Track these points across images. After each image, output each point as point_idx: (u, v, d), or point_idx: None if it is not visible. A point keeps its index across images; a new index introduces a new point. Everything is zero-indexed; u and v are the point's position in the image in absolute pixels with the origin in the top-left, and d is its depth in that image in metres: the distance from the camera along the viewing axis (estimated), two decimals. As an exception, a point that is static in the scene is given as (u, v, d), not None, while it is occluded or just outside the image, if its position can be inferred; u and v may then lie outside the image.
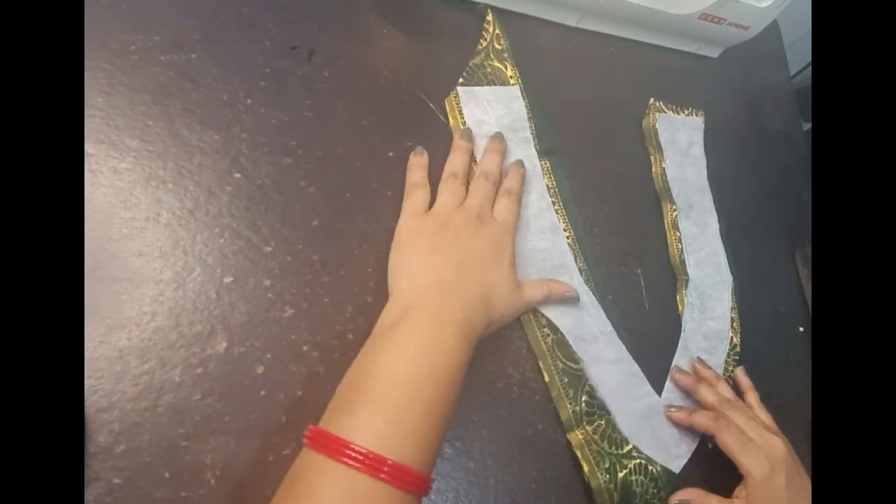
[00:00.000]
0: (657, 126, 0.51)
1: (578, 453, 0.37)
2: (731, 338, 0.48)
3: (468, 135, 0.41)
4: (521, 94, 0.45)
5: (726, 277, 0.50)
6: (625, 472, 0.38)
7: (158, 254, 0.32)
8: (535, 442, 0.38)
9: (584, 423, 0.38)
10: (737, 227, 0.53)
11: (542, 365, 0.39)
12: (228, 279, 0.33)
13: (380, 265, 0.36)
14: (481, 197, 0.38)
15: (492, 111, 0.43)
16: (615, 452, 0.39)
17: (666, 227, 0.49)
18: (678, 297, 0.47)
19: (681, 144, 0.52)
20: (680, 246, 0.48)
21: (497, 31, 0.46)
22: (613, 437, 0.39)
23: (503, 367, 0.38)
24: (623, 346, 0.42)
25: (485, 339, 0.35)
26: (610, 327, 0.42)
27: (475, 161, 0.41)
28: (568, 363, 0.39)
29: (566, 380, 0.39)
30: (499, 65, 0.45)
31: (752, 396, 0.44)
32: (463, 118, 0.42)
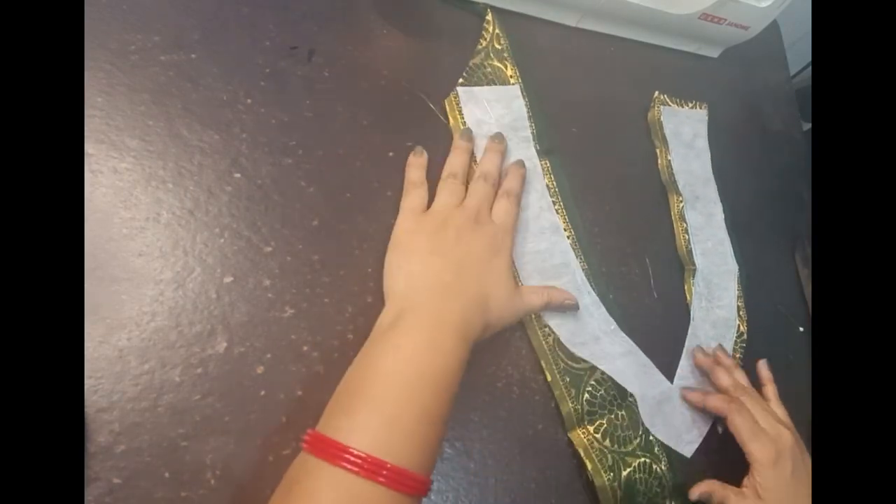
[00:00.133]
0: (662, 119, 0.52)
1: (581, 452, 0.37)
2: (738, 326, 0.49)
3: (468, 135, 0.41)
4: (522, 93, 0.45)
5: (732, 267, 0.51)
6: (629, 470, 0.38)
7: (158, 254, 0.32)
8: (535, 442, 0.38)
9: (586, 423, 0.39)
10: (737, 226, 0.53)
11: (543, 364, 0.39)
12: (228, 279, 0.33)
13: (380, 265, 0.36)
14: (480, 198, 0.38)
15: (492, 111, 0.44)
16: (619, 450, 0.39)
17: (673, 218, 0.50)
18: (686, 287, 0.48)
19: (685, 137, 0.53)
20: (687, 236, 0.49)
21: (497, 30, 0.46)
22: (616, 435, 0.39)
23: (503, 367, 0.38)
24: (629, 339, 0.42)
25: (485, 339, 0.35)
26: (613, 325, 0.42)
27: (475, 161, 0.41)
28: (569, 362, 0.39)
29: (568, 379, 0.39)
30: (499, 64, 0.45)
31: (771, 389, 0.45)
32: (463, 118, 0.42)
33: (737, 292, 0.50)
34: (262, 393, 0.32)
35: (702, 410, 0.43)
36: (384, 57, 0.42)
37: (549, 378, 0.39)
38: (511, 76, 0.45)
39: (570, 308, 0.40)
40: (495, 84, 0.45)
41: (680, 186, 0.50)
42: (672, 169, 0.51)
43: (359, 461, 0.25)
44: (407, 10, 0.45)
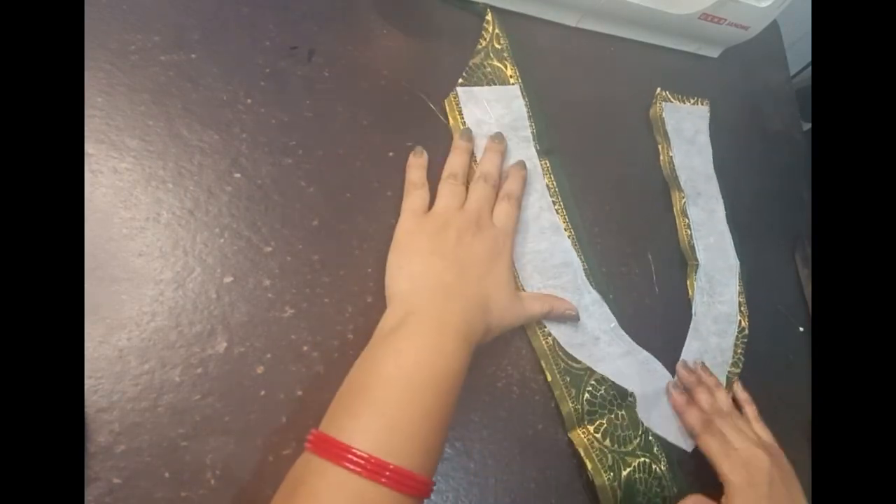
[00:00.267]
0: (664, 115, 0.52)
1: (581, 452, 0.37)
2: (740, 321, 0.49)
3: (468, 135, 0.41)
4: (521, 93, 0.45)
5: (733, 262, 0.51)
6: (629, 470, 0.38)
7: (158, 254, 0.32)
8: (535, 442, 0.38)
9: (587, 422, 0.39)
10: (738, 226, 0.53)
11: (543, 364, 0.39)
12: (228, 279, 0.33)
13: (380, 265, 0.36)
14: (481, 200, 0.38)
15: (492, 111, 0.44)
16: (619, 450, 0.39)
17: (675, 213, 0.50)
18: (688, 283, 0.48)
19: (687, 133, 0.53)
20: (689, 232, 0.49)
21: (497, 30, 0.46)
22: (617, 435, 0.39)
23: (503, 367, 0.38)
24: (628, 339, 0.42)
25: (485, 342, 0.35)
26: (613, 322, 0.42)
27: (475, 161, 0.41)
28: (570, 362, 0.39)
29: (568, 379, 0.39)
30: (498, 64, 0.45)
31: (750, 410, 0.45)
32: (463, 118, 0.42)
33: (738, 288, 0.50)
34: (262, 393, 0.32)
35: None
36: (384, 57, 0.42)
37: (549, 378, 0.39)
38: (511, 76, 0.45)
39: (570, 318, 0.40)
40: (495, 84, 0.45)
41: (682, 182, 0.51)
42: (674, 165, 0.51)
43: (362, 461, 0.25)
44: (407, 10, 0.45)
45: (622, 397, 0.40)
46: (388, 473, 0.26)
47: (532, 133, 0.45)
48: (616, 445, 0.39)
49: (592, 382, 0.40)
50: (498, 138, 0.42)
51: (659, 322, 0.45)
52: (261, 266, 0.34)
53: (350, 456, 0.26)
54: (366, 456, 0.26)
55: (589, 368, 0.40)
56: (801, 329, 0.54)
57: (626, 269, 0.46)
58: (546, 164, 0.44)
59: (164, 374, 0.30)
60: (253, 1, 0.39)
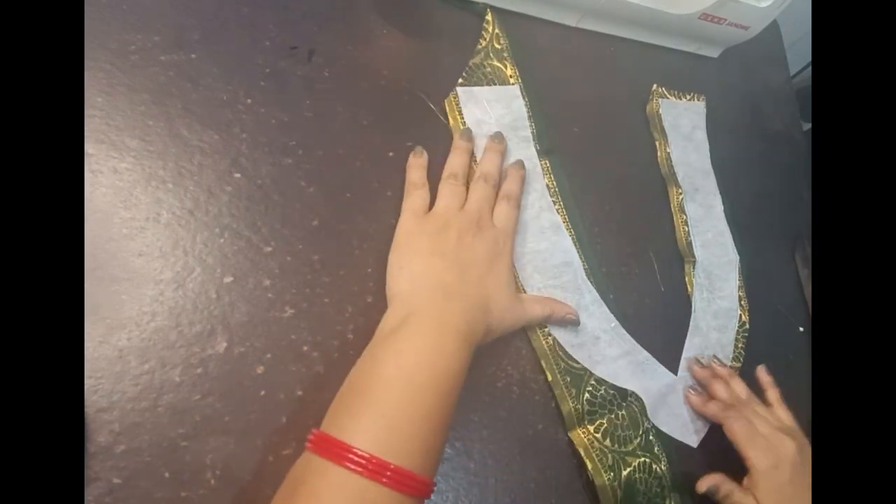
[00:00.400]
0: (660, 111, 0.52)
1: (581, 451, 0.37)
2: (740, 315, 0.49)
3: (468, 135, 0.41)
4: (521, 92, 0.45)
5: (733, 257, 0.51)
6: (629, 469, 0.38)
7: (158, 254, 0.32)
8: (535, 442, 0.38)
9: (587, 422, 0.39)
10: (737, 226, 0.53)
11: (543, 364, 0.39)
12: (228, 279, 0.33)
13: (380, 265, 0.36)
14: (481, 201, 0.38)
15: (492, 111, 0.44)
16: (619, 450, 0.39)
17: (672, 210, 0.50)
18: (687, 279, 0.48)
19: (684, 129, 0.53)
20: (686, 228, 0.49)
21: (496, 30, 0.46)
22: (617, 434, 0.39)
23: (503, 367, 0.38)
24: (629, 338, 0.42)
25: (485, 343, 0.35)
26: (614, 322, 0.42)
27: (475, 161, 0.41)
28: (569, 362, 0.39)
29: (568, 379, 0.39)
30: (498, 64, 0.45)
31: (773, 394, 0.44)
32: (463, 118, 0.42)
33: (738, 282, 0.50)
34: (262, 393, 0.32)
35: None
36: (384, 57, 0.42)
37: (549, 378, 0.39)
38: (511, 76, 0.45)
39: (570, 323, 0.40)
40: (495, 84, 0.45)
41: (679, 178, 0.51)
42: (671, 161, 0.51)
43: (363, 461, 0.25)
44: (407, 10, 0.45)
45: (622, 397, 0.40)
46: (388, 473, 0.26)
47: (532, 133, 0.45)
48: (616, 445, 0.39)
49: (592, 382, 0.40)
50: (498, 138, 0.42)
51: (660, 321, 0.45)
52: (261, 266, 0.34)
53: (351, 456, 0.26)
54: (367, 456, 0.26)
55: (589, 368, 0.40)
56: (801, 329, 0.54)
57: (627, 268, 0.46)
58: (546, 164, 0.44)
59: (164, 374, 0.30)
60: (253, 1, 0.39)
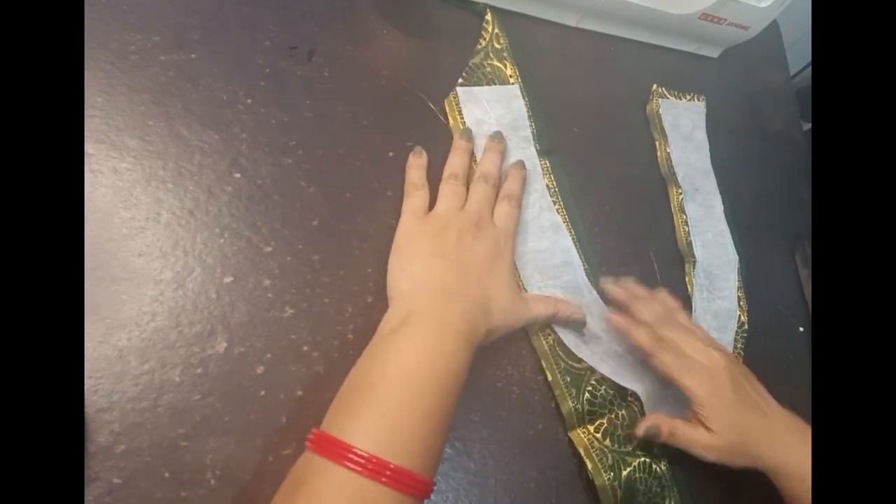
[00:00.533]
0: (660, 111, 0.52)
1: (581, 451, 0.37)
2: (739, 316, 0.49)
3: (468, 134, 0.41)
4: (521, 92, 0.45)
5: (732, 257, 0.51)
6: (629, 469, 0.38)
7: (158, 254, 0.32)
8: (535, 442, 0.38)
9: (587, 422, 0.39)
10: (737, 226, 0.53)
11: (544, 364, 0.39)
12: (228, 279, 0.33)
13: (380, 265, 0.36)
14: (481, 201, 0.38)
15: (492, 111, 0.44)
16: (619, 450, 0.39)
17: (672, 210, 0.50)
18: (687, 279, 0.48)
19: (684, 129, 0.53)
20: (686, 228, 0.49)
21: (496, 30, 0.46)
22: (617, 434, 0.39)
23: (503, 367, 0.38)
24: None
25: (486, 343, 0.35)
26: None
27: (475, 161, 0.41)
28: (570, 362, 0.39)
29: (568, 378, 0.39)
30: (498, 64, 0.45)
31: (682, 315, 0.42)
32: (462, 118, 0.42)
33: (737, 283, 0.50)
34: (262, 393, 0.32)
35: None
36: (384, 57, 0.42)
37: (549, 378, 0.39)
38: (511, 76, 0.45)
39: (576, 322, 0.40)
40: (495, 84, 0.45)
41: (679, 179, 0.51)
42: (671, 161, 0.51)
43: (362, 461, 0.26)
44: (407, 10, 0.45)
45: (622, 397, 0.40)
46: (388, 473, 0.26)
47: (532, 133, 0.45)
48: (616, 445, 0.39)
49: (593, 382, 0.40)
50: (498, 138, 0.42)
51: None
52: (261, 266, 0.34)
53: (351, 455, 0.26)
54: (367, 455, 0.26)
55: (589, 368, 0.40)
56: (801, 329, 0.54)
57: (627, 268, 0.46)
58: (546, 164, 0.44)
59: (164, 374, 0.30)
60: (253, 1, 0.39)
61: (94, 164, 0.32)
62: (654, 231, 0.49)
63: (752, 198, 0.57)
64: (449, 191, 0.38)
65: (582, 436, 0.38)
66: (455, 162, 0.40)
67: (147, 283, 0.31)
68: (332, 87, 0.39)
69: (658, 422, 0.37)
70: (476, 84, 0.44)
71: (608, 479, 0.37)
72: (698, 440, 0.36)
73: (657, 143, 0.52)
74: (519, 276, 0.40)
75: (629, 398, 0.41)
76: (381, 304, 0.35)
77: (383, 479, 0.26)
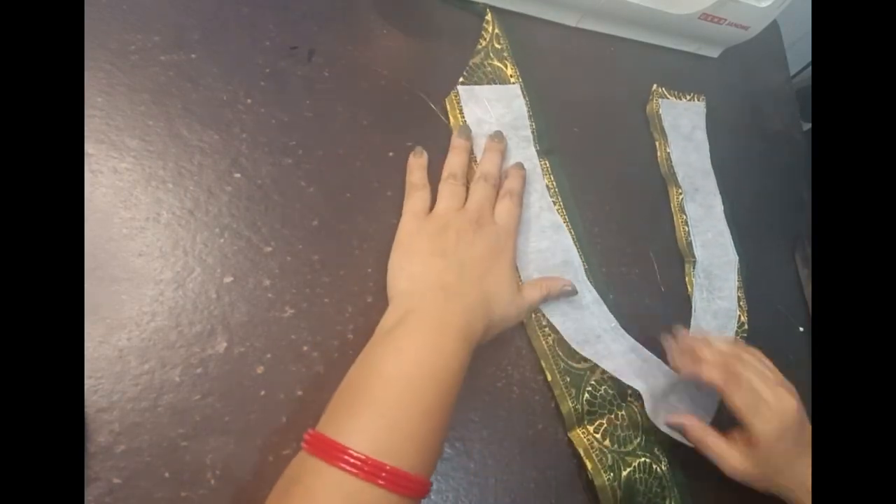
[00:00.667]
0: (660, 111, 0.52)
1: (581, 452, 0.37)
2: (739, 316, 0.49)
3: (466, 132, 0.41)
4: (522, 92, 0.45)
5: (732, 257, 0.51)
6: (629, 470, 0.38)
7: (158, 254, 0.32)
8: (535, 442, 0.38)
9: (586, 422, 0.39)
10: (737, 226, 0.53)
11: (543, 364, 0.39)
12: (228, 279, 0.33)
13: (380, 265, 0.36)
14: (482, 200, 0.38)
15: (492, 110, 0.44)
16: (619, 450, 0.39)
17: (672, 210, 0.50)
18: (687, 280, 0.48)
19: (684, 129, 0.53)
20: (686, 228, 0.49)
21: (496, 30, 0.46)
22: (617, 435, 0.39)
23: (503, 367, 0.38)
24: (629, 337, 0.42)
25: (485, 341, 0.35)
26: (614, 322, 0.42)
27: (475, 160, 0.41)
28: (569, 362, 0.39)
29: (568, 379, 0.39)
30: (499, 64, 0.45)
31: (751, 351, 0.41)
32: (463, 117, 0.42)
33: (737, 283, 0.50)
34: (262, 393, 0.32)
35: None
36: (384, 57, 0.42)
37: (549, 378, 0.39)
38: (511, 76, 0.45)
39: (568, 294, 0.40)
40: (495, 83, 0.45)
41: (679, 179, 0.51)
42: (671, 161, 0.51)
43: (358, 463, 0.25)
44: (407, 10, 0.45)
45: (622, 397, 0.40)
46: (384, 475, 0.26)
47: (532, 133, 0.45)
48: (616, 445, 0.39)
49: (592, 382, 0.40)
50: (498, 137, 0.42)
51: (660, 322, 0.45)
52: (261, 266, 0.34)
53: (346, 457, 0.25)
54: (363, 457, 0.25)
55: (589, 368, 0.40)
56: (801, 329, 0.54)
57: (626, 269, 0.46)
58: (546, 164, 0.44)
59: (164, 374, 0.30)
60: (253, 1, 0.39)
61: (94, 164, 0.32)
62: (654, 231, 0.49)
63: (752, 198, 0.57)
64: (448, 191, 0.38)
65: (581, 436, 0.38)
66: (454, 161, 0.40)
67: (147, 283, 0.31)
68: (332, 87, 0.39)
69: (688, 423, 0.37)
70: (476, 83, 0.44)
71: (608, 479, 0.37)
72: (730, 462, 0.36)
73: (657, 143, 0.52)
74: (520, 276, 0.40)
75: (629, 398, 0.41)
76: (381, 303, 0.35)
77: (379, 481, 0.25)
